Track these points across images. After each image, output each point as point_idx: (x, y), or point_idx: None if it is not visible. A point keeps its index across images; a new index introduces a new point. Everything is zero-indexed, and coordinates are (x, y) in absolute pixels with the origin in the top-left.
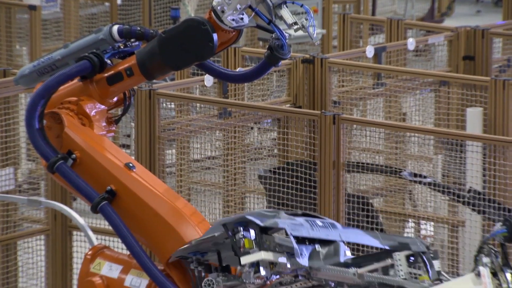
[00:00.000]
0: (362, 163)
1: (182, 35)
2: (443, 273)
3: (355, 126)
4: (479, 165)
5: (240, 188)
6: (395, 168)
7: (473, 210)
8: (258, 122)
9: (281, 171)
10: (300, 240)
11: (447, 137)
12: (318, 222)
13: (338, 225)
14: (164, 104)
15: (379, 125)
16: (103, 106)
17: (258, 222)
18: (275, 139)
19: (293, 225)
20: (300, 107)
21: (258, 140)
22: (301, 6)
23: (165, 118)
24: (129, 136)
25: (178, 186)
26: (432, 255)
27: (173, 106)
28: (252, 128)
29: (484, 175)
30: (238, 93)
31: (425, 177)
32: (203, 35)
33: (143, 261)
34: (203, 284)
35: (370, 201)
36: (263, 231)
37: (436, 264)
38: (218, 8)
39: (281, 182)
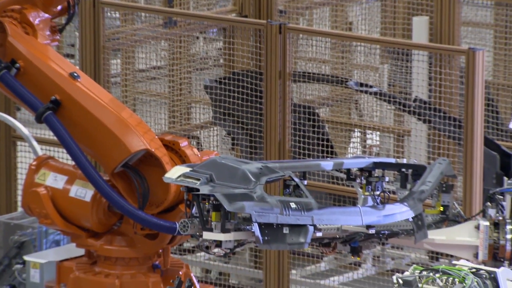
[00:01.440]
0: (308, 72)
1: None
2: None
3: (301, 35)
4: (425, 74)
5: (185, 98)
6: (341, 77)
7: (419, 119)
8: (203, 32)
9: (227, 81)
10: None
11: (393, 46)
12: (293, 204)
13: (315, 204)
14: (109, 14)
15: (325, 35)
16: (47, 15)
17: (225, 205)
18: (221, 49)
19: (262, 209)
20: (246, 16)
21: (203, 50)
22: None
23: (109, 28)
24: (73, 45)
25: (123, 96)
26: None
27: (117, 15)
28: (197, 37)
29: (430, 85)
30: (183, 2)
31: (371, 86)
32: None
33: (88, 171)
34: (178, 224)
35: (316, 111)
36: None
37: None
38: None
39: (227, 92)
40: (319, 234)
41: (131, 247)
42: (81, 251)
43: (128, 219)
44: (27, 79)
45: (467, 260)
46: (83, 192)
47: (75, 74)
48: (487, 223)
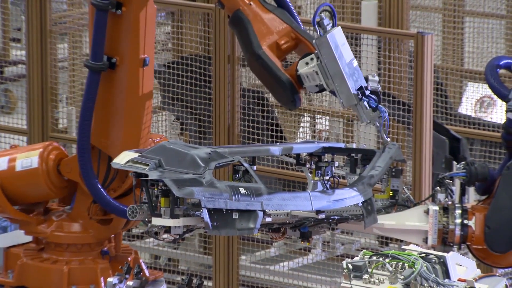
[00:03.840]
0: None
1: None
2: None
3: None
4: (374, 59)
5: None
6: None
7: None
8: None
9: (175, 65)
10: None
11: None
12: (242, 189)
13: (264, 189)
14: None
15: None
16: None
17: (174, 191)
18: (169, 33)
19: (211, 195)
20: (194, 0)
21: None
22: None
23: (56, 12)
24: (19, 30)
25: (71, 81)
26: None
27: None
28: None
29: (379, 69)
30: None
31: None
32: None
33: (82, 135)
34: (127, 210)
35: (266, 95)
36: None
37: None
38: None
39: (175, 77)
40: (268, 220)
41: (83, 233)
42: (29, 238)
43: (79, 205)
44: (114, 25)
45: (417, 245)
46: (28, 161)
47: (146, 62)
48: (437, 208)
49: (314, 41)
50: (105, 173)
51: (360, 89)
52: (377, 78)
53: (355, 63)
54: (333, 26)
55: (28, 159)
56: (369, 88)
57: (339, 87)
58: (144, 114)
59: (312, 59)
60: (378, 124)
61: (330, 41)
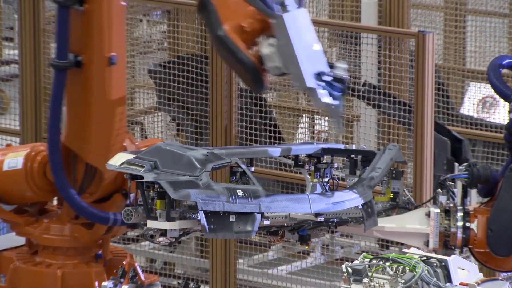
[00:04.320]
0: None
1: None
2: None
3: None
4: (374, 58)
5: (129, 83)
6: None
7: (368, 104)
8: (147, 14)
9: (171, 65)
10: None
11: (341, 29)
12: (239, 191)
13: (262, 192)
14: None
15: None
16: None
17: (170, 193)
18: (165, 32)
19: (208, 197)
20: None
21: (147, 33)
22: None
23: (50, 10)
24: (12, 28)
25: None
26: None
27: None
28: (141, 20)
29: (379, 68)
30: None
31: None
32: None
33: (52, 138)
34: (122, 213)
35: (263, 95)
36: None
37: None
38: None
39: (171, 77)
40: (266, 222)
41: (69, 236)
42: (21, 241)
43: (66, 207)
44: (77, 22)
45: (418, 248)
46: (14, 162)
47: (113, 61)
48: (438, 210)
49: (271, 20)
50: (83, 176)
51: (318, 74)
52: (345, 66)
53: (318, 47)
54: (300, 7)
55: (15, 159)
56: (334, 75)
57: (293, 70)
58: (115, 118)
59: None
60: (330, 114)
61: (286, 22)
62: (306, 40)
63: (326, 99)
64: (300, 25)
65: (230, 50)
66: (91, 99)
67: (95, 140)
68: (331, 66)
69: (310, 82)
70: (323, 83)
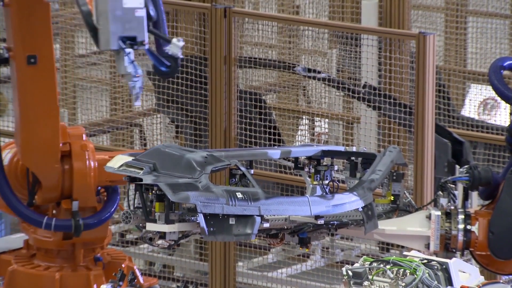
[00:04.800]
0: (254, 58)
1: None
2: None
3: (247, 19)
4: (374, 60)
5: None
6: (289, 63)
7: (369, 106)
8: None
9: None
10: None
11: (341, 31)
12: (239, 193)
13: (262, 194)
14: None
15: (271, 18)
16: None
17: (169, 196)
18: None
19: (207, 199)
20: None
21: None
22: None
23: None
24: None
25: (62, 82)
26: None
27: None
28: None
29: (379, 70)
30: None
31: (319, 72)
32: None
33: None
34: (120, 215)
35: (263, 97)
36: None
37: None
38: None
39: (170, 79)
40: (266, 225)
41: (50, 237)
42: (20, 243)
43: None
44: (6, 17)
45: (418, 251)
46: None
47: (32, 60)
48: (439, 213)
49: None
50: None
51: (130, 39)
52: (181, 44)
53: (141, 13)
54: None
55: (7, 154)
56: (168, 52)
57: (101, 26)
58: (40, 121)
59: None
60: (129, 86)
61: None
62: (128, 2)
63: (129, 68)
64: None
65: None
66: (18, 98)
67: (23, 141)
68: (167, 41)
69: (114, 43)
70: (131, 50)
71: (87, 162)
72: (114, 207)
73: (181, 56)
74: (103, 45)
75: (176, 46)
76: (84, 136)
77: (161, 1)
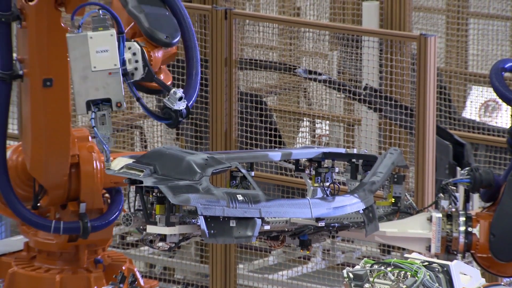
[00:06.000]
0: (255, 60)
1: None
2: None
3: (247, 21)
4: (375, 61)
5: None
6: (289, 65)
7: (370, 107)
8: None
9: (170, 68)
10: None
11: (342, 32)
12: (240, 196)
13: (262, 196)
14: None
15: (272, 20)
16: None
17: (170, 198)
18: None
19: (207, 202)
20: (190, 1)
21: None
22: None
23: None
24: None
25: None
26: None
27: None
28: None
29: (380, 72)
30: None
31: (320, 74)
32: None
33: None
34: (121, 218)
35: (264, 99)
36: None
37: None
38: None
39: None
40: (267, 227)
41: (52, 240)
42: (20, 246)
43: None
44: (22, 37)
45: (419, 253)
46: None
47: (48, 83)
48: (440, 215)
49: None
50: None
51: (105, 100)
52: (178, 95)
53: (115, 74)
54: (105, 28)
55: (8, 152)
56: (165, 103)
57: (73, 89)
58: (52, 139)
59: None
60: (99, 148)
61: (68, 42)
62: (95, 63)
63: (100, 129)
64: (92, 47)
65: None
66: (30, 114)
67: (33, 157)
68: (167, 90)
69: (82, 108)
70: (105, 112)
71: (94, 164)
72: (120, 208)
73: (175, 108)
74: (76, 109)
75: (172, 98)
76: (90, 138)
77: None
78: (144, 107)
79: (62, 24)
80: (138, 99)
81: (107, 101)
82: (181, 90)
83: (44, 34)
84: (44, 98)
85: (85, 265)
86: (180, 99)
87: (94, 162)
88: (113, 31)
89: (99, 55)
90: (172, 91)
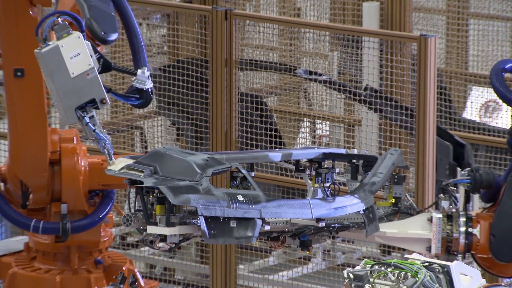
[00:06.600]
0: (255, 60)
1: None
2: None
3: (248, 22)
4: (376, 62)
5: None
6: (290, 65)
7: (370, 108)
8: (146, 18)
9: (171, 69)
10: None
11: (343, 33)
12: (240, 196)
13: (262, 197)
14: None
15: (272, 21)
16: None
17: (170, 198)
18: (164, 36)
19: (208, 202)
20: (190, 1)
21: (147, 37)
22: None
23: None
24: None
25: None
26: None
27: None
28: (140, 24)
29: (381, 72)
30: None
31: (320, 74)
32: None
33: None
34: (121, 219)
35: (264, 100)
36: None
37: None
38: None
39: (171, 81)
40: (267, 228)
41: (46, 239)
42: (20, 246)
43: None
44: None
45: (420, 253)
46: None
47: (19, 73)
48: (440, 216)
49: (35, 51)
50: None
51: (90, 102)
52: (146, 74)
53: (93, 74)
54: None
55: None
56: (135, 85)
57: (55, 103)
58: (26, 133)
59: None
60: (100, 147)
61: (40, 59)
62: (73, 70)
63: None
64: (67, 55)
65: None
66: (7, 109)
67: (11, 150)
68: (132, 74)
69: (73, 117)
70: (93, 113)
71: (76, 165)
72: (106, 212)
73: (147, 87)
74: (64, 121)
75: (141, 79)
76: (75, 139)
77: (139, 30)
78: (116, 95)
79: (31, 12)
80: (109, 90)
81: (91, 102)
82: (146, 68)
83: (13, 24)
84: (17, 89)
85: (85, 266)
86: (149, 77)
87: (76, 163)
88: (79, 33)
89: (73, 60)
90: (139, 72)
